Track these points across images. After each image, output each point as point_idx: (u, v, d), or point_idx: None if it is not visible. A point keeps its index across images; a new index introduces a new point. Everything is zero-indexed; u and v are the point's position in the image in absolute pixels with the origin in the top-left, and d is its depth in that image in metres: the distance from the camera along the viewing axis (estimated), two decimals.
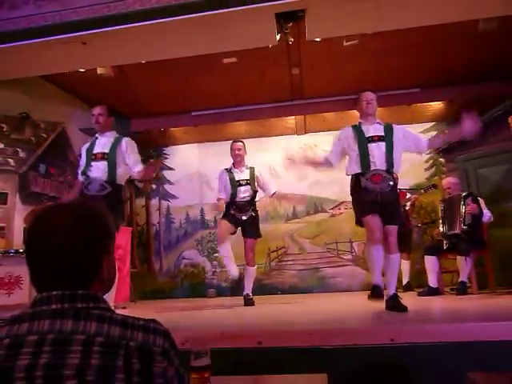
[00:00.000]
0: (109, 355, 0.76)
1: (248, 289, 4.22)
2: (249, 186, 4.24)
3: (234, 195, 4.20)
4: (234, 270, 4.14)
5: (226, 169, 4.37)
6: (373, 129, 3.15)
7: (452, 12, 3.33)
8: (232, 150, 4.35)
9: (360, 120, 3.26)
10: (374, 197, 3.02)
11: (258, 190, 4.34)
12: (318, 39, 3.97)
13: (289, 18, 3.28)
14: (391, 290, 2.95)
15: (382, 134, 3.11)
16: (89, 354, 0.75)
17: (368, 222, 3.05)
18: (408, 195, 5.38)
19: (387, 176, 3.04)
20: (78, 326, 0.79)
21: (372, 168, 3.05)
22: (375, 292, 3.06)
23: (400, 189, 5.16)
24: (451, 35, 4.41)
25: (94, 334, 0.78)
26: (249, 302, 4.06)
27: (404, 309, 2.77)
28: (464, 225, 4.36)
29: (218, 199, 4.29)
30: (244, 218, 4.15)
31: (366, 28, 3.58)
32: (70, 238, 0.86)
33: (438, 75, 5.27)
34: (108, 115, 3.49)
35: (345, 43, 4.25)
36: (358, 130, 3.19)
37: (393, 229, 3.05)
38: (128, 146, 3.36)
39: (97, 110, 3.48)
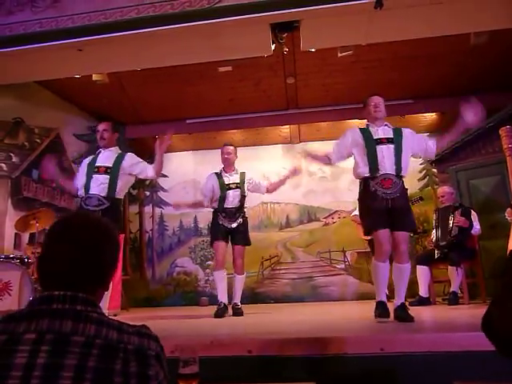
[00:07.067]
0: (107, 358, 0.78)
1: (236, 298, 4.05)
2: (238, 191, 4.11)
3: (222, 199, 4.09)
4: (224, 298, 3.98)
5: (216, 173, 4.26)
6: (381, 131, 3.03)
7: (445, 25, 3.38)
8: (222, 153, 4.25)
9: (367, 123, 3.14)
10: (383, 203, 2.85)
11: (248, 194, 4.23)
12: (312, 50, 4.02)
13: (284, 29, 3.31)
14: (400, 300, 2.84)
15: (391, 136, 2.99)
16: (87, 355, 0.76)
17: (378, 236, 2.87)
18: None
19: (397, 181, 2.89)
20: (77, 327, 0.80)
21: (381, 172, 2.90)
22: (383, 310, 2.81)
23: None
24: (444, 47, 4.48)
25: (94, 336, 0.79)
26: (237, 312, 3.90)
27: (410, 319, 2.68)
28: (450, 236, 4.39)
29: (202, 203, 4.25)
30: (233, 225, 4.04)
31: (360, 39, 3.62)
32: (95, 243, 0.90)
33: (431, 87, 5.34)
34: (112, 131, 3.60)
35: (339, 54, 4.29)
36: (366, 131, 3.06)
37: (403, 235, 2.88)
38: (132, 159, 3.53)
39: (102, 126, 3.57)
